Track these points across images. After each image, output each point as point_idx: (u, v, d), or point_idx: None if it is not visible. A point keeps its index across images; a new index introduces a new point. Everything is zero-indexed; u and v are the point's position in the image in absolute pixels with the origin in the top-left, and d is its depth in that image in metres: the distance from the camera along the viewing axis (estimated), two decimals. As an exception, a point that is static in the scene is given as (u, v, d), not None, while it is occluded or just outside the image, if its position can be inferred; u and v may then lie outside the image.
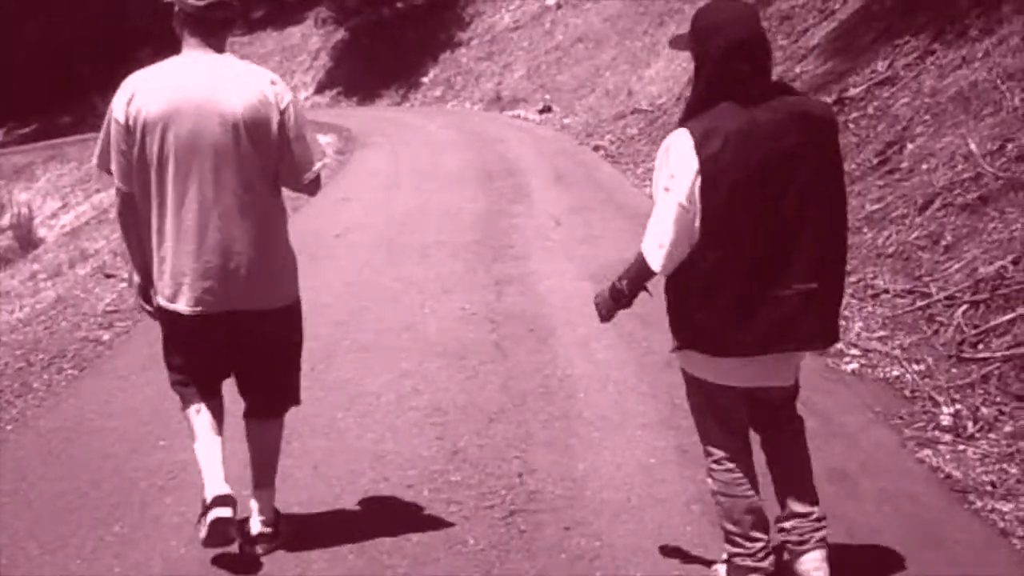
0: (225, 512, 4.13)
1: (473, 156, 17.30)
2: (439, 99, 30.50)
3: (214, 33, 4.17)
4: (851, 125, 11.46)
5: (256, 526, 4.41)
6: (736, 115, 3.50)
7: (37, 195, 34.82)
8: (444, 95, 30.57)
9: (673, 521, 4.60)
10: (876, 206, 9.38)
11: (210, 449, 4.32)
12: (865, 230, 9.08)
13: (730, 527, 3.86)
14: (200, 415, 4.38)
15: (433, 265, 9.63)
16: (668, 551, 4.35)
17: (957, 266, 7.65)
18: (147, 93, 4.07)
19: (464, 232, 11.14)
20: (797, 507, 3.89)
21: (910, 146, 9.99)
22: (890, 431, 5.59)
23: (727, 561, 3.97)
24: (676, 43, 3.83)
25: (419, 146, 19.15)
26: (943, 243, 8.05)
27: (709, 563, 4.16)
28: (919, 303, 7.46)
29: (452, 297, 8.47)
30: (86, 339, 7.84)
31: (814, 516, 3.87)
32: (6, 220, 31.43)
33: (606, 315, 3.92)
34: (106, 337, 7.87)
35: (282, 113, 4.11)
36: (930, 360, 6.56)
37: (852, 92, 12.25)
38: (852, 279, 8.27)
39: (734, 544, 3.87)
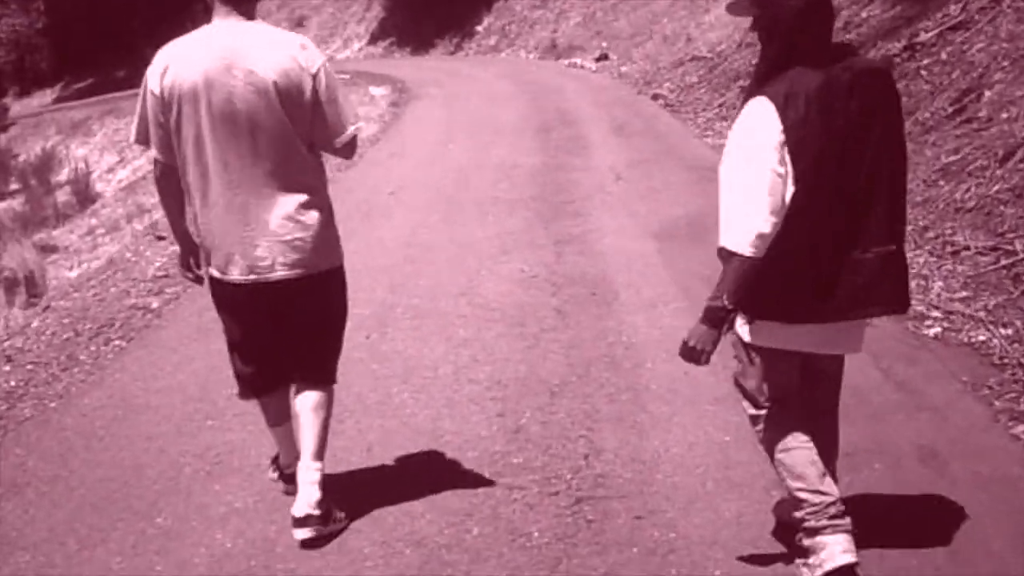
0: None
1: (529, 107, 16.91)
2: (493, 48, 30.03)
3: (244, 1, 4.12)
4: (923, 72, 10.96)
5: (302, 508, 4.26)
6: (813, 77, 3.41)
7: (94, 150, 34.95)
8: (498, 44, 30.09)
9: (752, 509, 4.28)
10: (953, 157, 8.93)
11: (278, 434, 4.51)
12: (941, 183, 8.65)
13: (796, 484, 3.68)
14: (263, 405, 4.52)
15: (490, 223, 9.32)
16: (748, 543, 4.04)
17: (1044, 222, 7.25)
18: (180, 63, 4.06)
19: (521, 187, 10.81)
20: (822, 489, 3.68)
21: (988, 94, 9.50)
22: (980, 403, 5.22)
23: (801, 529, 3.70)
24: (735, 8, 3.68)
25: (474, 97, 18.78)
26: (1028, 197, 7.63)
27: (791, 559, 3.85)
28: (1003, 261, 7.05)
29: (510, 258, 8.17)
30: (135, 307, 7.62)
31: (834, 498, 3.67)
32: (64, 175, 31.62)
33: (711, 351, 3.57)
34: (155, 304, 7.64)
35: (314, 77, 4.07)
36: (1019, 323, 6.17)
37: (923, 37, 11.71)
38: (929, 235, 7.88)
39: (804, 505, 3.65)
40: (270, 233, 4.10)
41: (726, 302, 3.45)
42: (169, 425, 5.43)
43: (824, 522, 3.60)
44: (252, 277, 4.15)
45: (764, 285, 3.49)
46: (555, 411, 5.31)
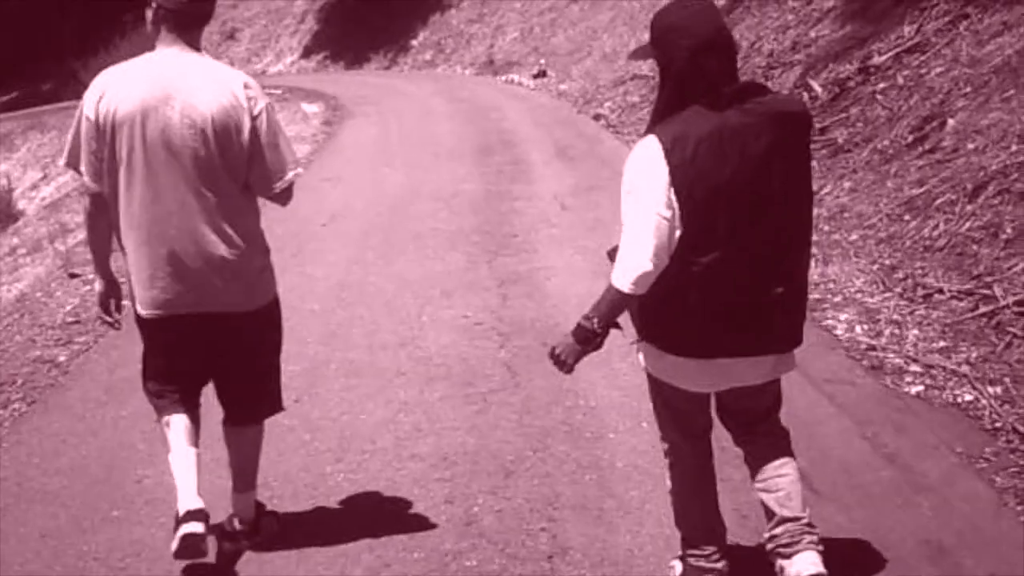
0: (197, 527, 3.97)
1: (468, 127, 16.38)
2: (429, 63, 29.41)
3: (190, 30, 4.04)
4: (879, 96, 10.57)
5: (235, 524, 4.37)
6: (706, 119, 3.36)
7: (17, 165, 34.05)
8: (434, 59, 29.47)
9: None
10: (917, 190, 8.50)
11: (185, 461, 4.15)
12: (907, 217, 8.22)
13: (682, 529, 3.91)
14: (175, 425, 4.22)
15: (430, 259, 8.74)
16: None
17: (1023, 264, 6.80)
18: (118, 91, 3.96)
19: (462, 217, 10.24)
20: (785, 512, 3.70)
21: (951, 122, 9.08)
22: (980, 481, 4.71)
23: (682, 558, 3.93)
24: (638, 54, 3.72)
25: (410, 116, 18.21)
26: (1003, 236, 7.20)
27: None
28: (983, 308, 6.61)
29: (453, 301, 7.58)
30: (40, 359, 6.91)
31: (803, 521, 3.70)
32: (-16, 193, 30.68)
33: (573, 363, 3.58)
34: (62, 358, 6.92)
35: (254, 119, 3.99)
36: (1007, 381, 5.72)
37: (877, 60, 11.31)
38: (898, 275, 7.44)
39: (688, 544, 3.87)
40: (198, 269, 4.00)
41: (596, 325, 3.46)
42: (67, 517, 4.72)
43: (703, 564, 3.82)
44: (180, 311, 4.06)
45: (655, 316, 3.55)
46: (511, 495, 4.70)
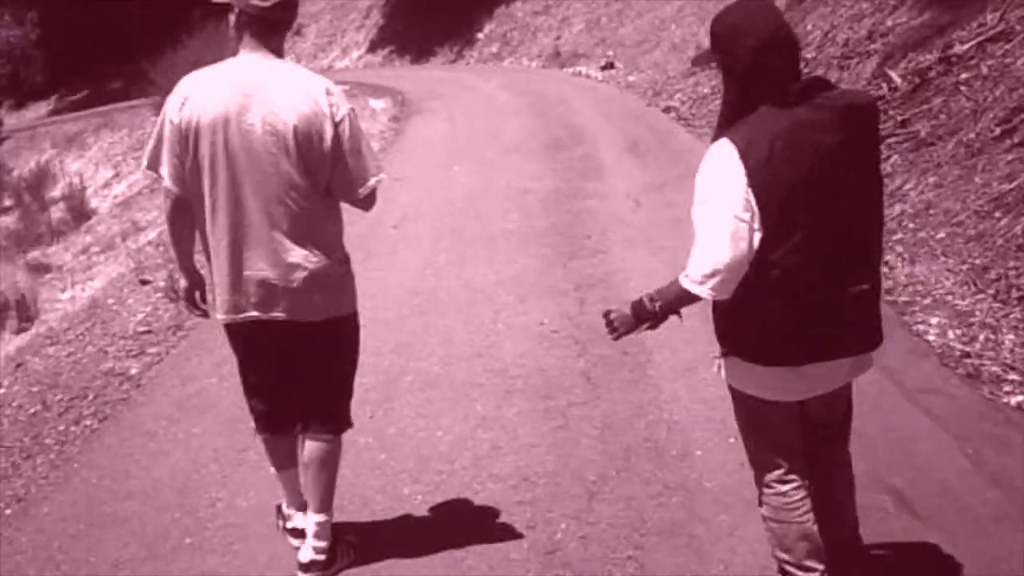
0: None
1: (536, 122, 16.17)
2: (495, 56, 29.26)
3: (272, 36, 4.03)
4: (963, 88, 10.19)
5: (307, 554, 4.33)
6: (776, 118, 3.30)
7: (89, 164, 34.46)
8: (500, 52, 29.31)
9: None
10: (1007, 186, 8.16)
11: (281, 478, 4.42)
12: (997, 215, 7.89)
13: (782, 555, 3.68)
14: (267, 444, 4.44)
15: (503, 262, 8.57)
16: None
17: None
18: (202, 97, 3.96)
19: (534, 217, 10.06)
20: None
21: (1043, 113, 8.74)
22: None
23: None
24: (700, 61, 3.68)
25: (477, 111, 18.05)
26: (1104, 235, 6.89)
27: None
28: (1085, 311, 6.31)
29: (528, 307, 7.41)
30: (112, 372, 6.85)
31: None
32: (59, 191, 31.10)
33: (623, 333, 3.59)
34: (134, 371, 6.86)
35: (336, 125, 3.94)
36: (1116, 390, 5.43)
37: (959, 49, 10.93)
38: (990, 276, 7.13)
39: (785, 574, 3.70)
40: (278, 276, 4.01)
41: (657, 308, 3.45)
42: (140, 545, 4.62)
43: None
44: (254, 314, 4.07)
45: (737, 327, 3.49)
46: (595, 520, 4.53)
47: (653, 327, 3.54)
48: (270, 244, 3.99)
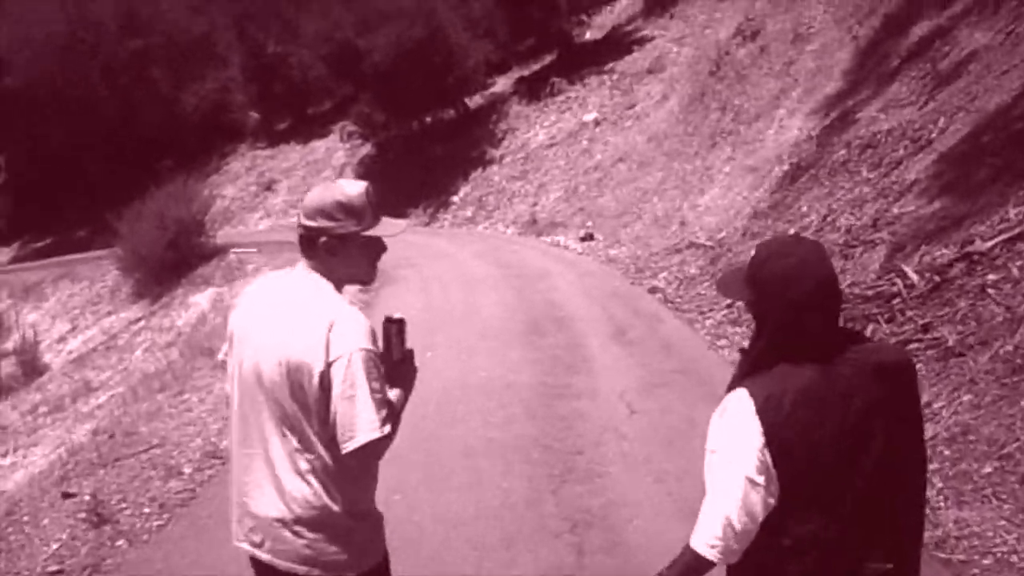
0: None
1: (515, 299, 15.31)
2: (470, 220, 28.54)
3: (308, 253, 3.68)
4: (991, 290, 9.31)
5: None
6: (802, 372, 3.08)
7: (46, 316, 33.68)
8: (475, 216, 28.62)
9: None
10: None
11: None
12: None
13: None
14: None
15: (484, 487, 7.47)
16: None
17: None
18: (245, 305, 3.79)
19: (518, 422, 9.02)
20: None
21: (1092, 330, 7.84)
22: None
23: None
24: (727, 289, 3.50)
25: (452, 283, 17.21)
26: None
27: None
28: None
29: (515, 554, 6.28)
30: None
31: None
32: (11, 343, 30.21)
33: None
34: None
35: (330, 364, 3.43)
36: None
37: (981, 246, 10.09)
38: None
39: None
40: (277, 519, 3.57)
41: None
42: None
43: None
44: (261, 556, 3.65)
45: None
46: None
47: None
48: (273, 484, 3.58)
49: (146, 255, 27.18)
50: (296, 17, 37.15)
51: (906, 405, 3.21)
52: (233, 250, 27.21)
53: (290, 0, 38.61)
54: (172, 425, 10.01)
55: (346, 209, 3.61)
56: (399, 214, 26.72)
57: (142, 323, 24.65)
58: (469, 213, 29.00)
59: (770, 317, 3.17)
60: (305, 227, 3.63)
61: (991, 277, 9.53)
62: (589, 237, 22.08)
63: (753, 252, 3.29)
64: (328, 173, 36.51)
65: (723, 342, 12.19)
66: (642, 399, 9.61)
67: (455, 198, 30.16)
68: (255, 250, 26.86)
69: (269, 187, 38.02)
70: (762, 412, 3.04)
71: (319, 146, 38.73)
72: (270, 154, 40.63)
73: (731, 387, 3.21)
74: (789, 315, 3.11)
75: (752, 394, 3.08)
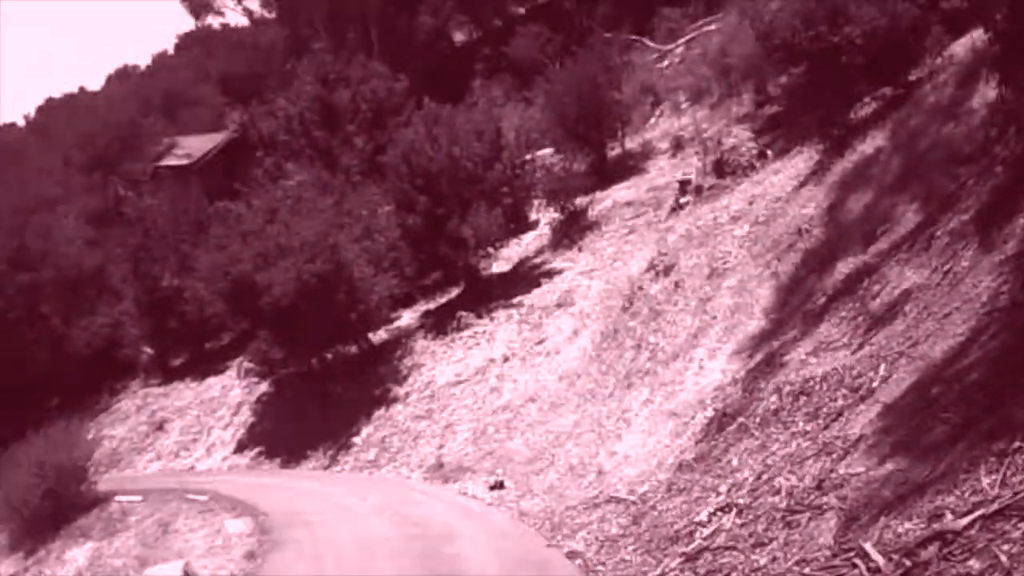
0: None
1: (416, 570, 13.56)
2: (372, 464, 26.68)
3: None
4: (974, 581, 7.88)
5: None
6: None
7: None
8: (378, 459, 26.77)
9: None
10: None
11: None
12: None
13: None
14: None
15: None
16: None
17: None
18: None
19: None
20: None
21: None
22: None
23: None
24: None
25: (350, 548, 15.59)
26: None
27: None
28: None
29: None
30: None
31: None
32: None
33: None
34: None
35: None
36: None
37: (955, 523, 8.67)
38: None
39: None
40: None
41: None
42: None
43: None
44: None
45: None
46: None
47: None
48: None
49: (19, 506, 25.15)
50: (193, 251, 35.91)
51: None
52: (116, 498, 25.63)
53: (188, 232, 37.51)
54: None
55: None
56: (297, 456, 24.88)
57: (15, 581, 22.44)
58: (372, 456, 27.17)
59: None
60: None
61: (975, 565, 8.10)
62: (499, 485, 20.42)
63: None
64: (223, 412, 34.57)
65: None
66: None
67: (357, 439, 28.33)
68: (140, 498, 25.25)
69: (160, 427, 35.90)
70: None
71: (215, 383, 36.87)
72: (163, 391, 38.64)
73: None
74: None
75: None
